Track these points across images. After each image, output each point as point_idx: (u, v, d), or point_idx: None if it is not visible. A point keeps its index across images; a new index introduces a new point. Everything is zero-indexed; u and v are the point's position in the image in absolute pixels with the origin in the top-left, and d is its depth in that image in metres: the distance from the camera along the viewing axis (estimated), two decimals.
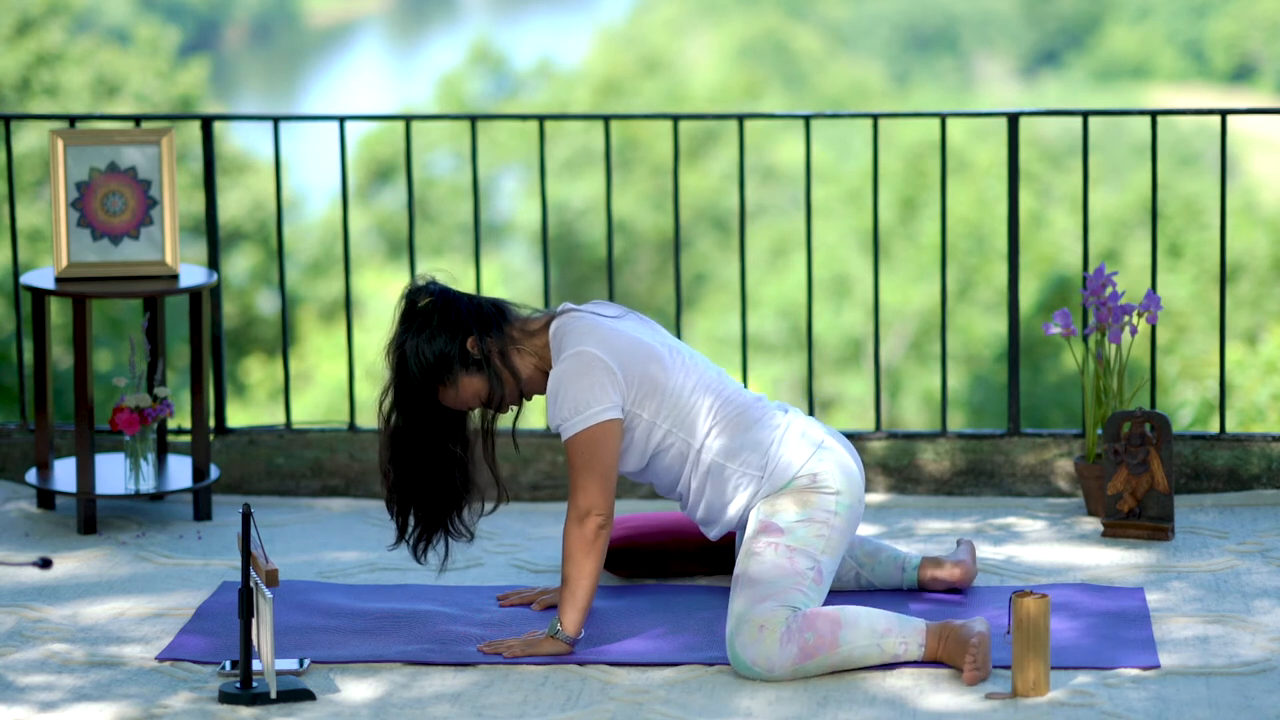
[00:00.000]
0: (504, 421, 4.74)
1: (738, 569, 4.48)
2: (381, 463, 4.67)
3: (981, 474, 5.86)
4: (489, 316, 4.61)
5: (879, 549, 4.92)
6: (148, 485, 5.63)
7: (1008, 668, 4.34)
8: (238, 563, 5.23)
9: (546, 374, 4.63)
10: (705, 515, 4.68)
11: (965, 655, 4.28)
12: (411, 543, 4.70)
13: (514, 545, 5.41)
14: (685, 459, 4.61)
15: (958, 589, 4.91)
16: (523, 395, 4.65)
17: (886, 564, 4.91)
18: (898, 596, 4.85)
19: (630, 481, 5.86)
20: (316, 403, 21.04)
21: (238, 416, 18.52)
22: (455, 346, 4.56)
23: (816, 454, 4.58)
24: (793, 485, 4.55)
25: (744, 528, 4.67)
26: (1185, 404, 13.69)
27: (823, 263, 22.04)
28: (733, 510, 4.63)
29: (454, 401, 4.59)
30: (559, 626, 4.49)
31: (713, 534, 4.73)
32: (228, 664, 4.44)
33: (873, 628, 4.35)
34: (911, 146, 23.44)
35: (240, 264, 22.19)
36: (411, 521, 4.68)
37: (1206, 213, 22.93)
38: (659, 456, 4.61)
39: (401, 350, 4.57)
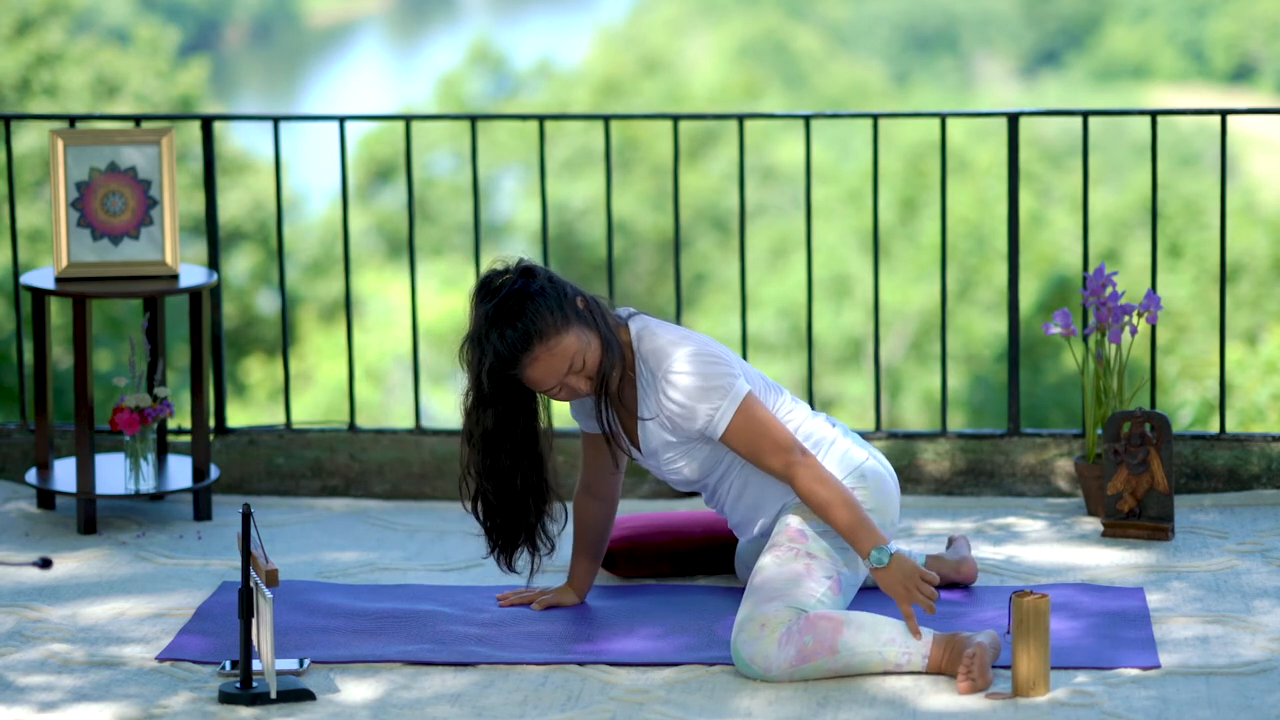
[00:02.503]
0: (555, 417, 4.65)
1: (754, 568, 4.48)
2: (464, 467, 4.55)
3: (981, 474, 5.87)
4: (592, 293, 4.52)
5: None
6: (148, 485, 5.62)
7: (1008, 668, 4.34)
8: (238, 563, 5.23)
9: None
10: (741, 519, 4.68)
11: (960, 665, 4.27)
12: (498, 553, 4.67)
13: None
14: (733, 463, 4.61)
15: (962, 586, 4.92)
16: (606, 382, 4.48)
17: None
18: None
19: (630, 481, 5.86)
20: (316, 403, 21.05)
21: (238, 416, 18.52)
22: (570, 299, 4.42)
23: (855, 472, 4.57)
24: None
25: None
26: (1185, 404, 13.69)
27: (823, 263, 22.04)
28: (767, 516, 4.63)
29: (555, 359, 4.39)
30: (882, 552, 4.30)
31: (745, 538, 4.74)
32: (228, 664, 4.44)
33: (876, 635, 4.33)
34: (911, 146, 23.44)
35: (240, 264, 22.19)
36: (498, 530, 4.63)
37: (1206, 213, 22.93)
38: (719, 461, 4.61)
39: (507, 307, 4.36)
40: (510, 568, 4.70)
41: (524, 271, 4.45)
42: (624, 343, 4.54)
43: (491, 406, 4.49)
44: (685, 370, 4.44)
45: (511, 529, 4.64)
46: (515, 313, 4.37)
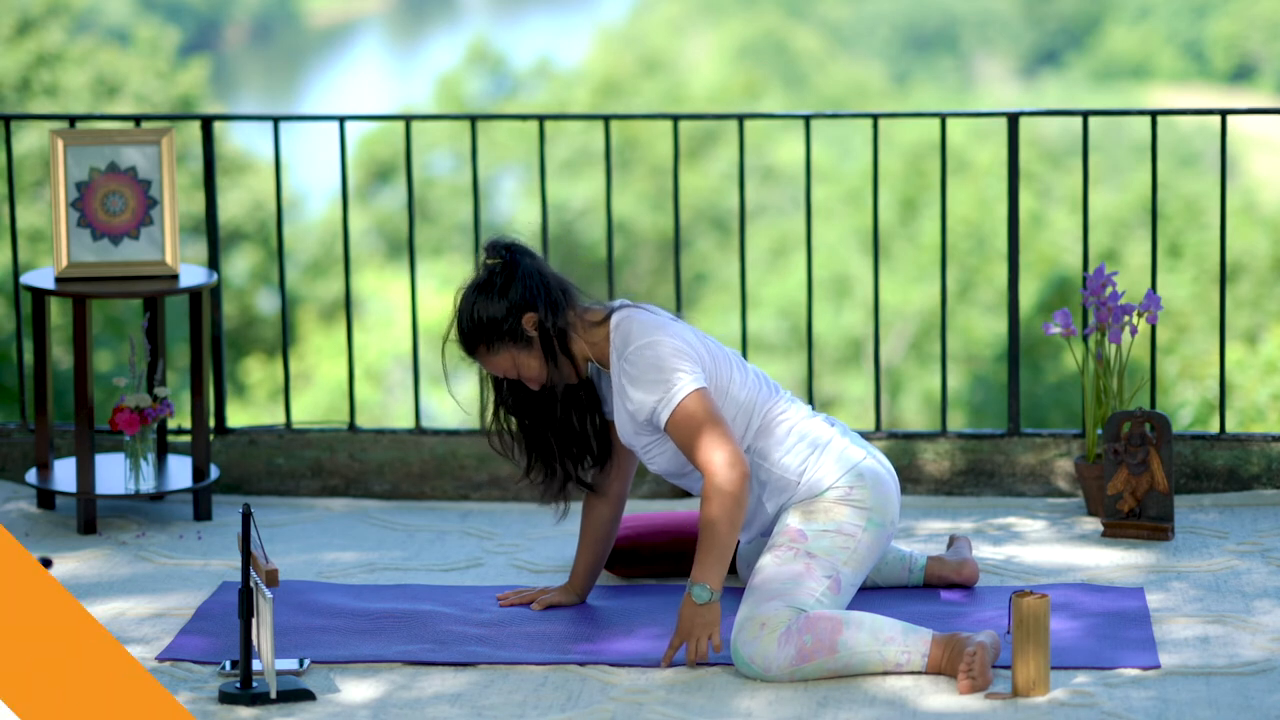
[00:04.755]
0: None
1: (754, 568, 4.48)
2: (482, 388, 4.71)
3: (981, 474, 5.87)
4: (555, 297, 4.55)
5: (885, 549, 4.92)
6: (148, 485, 5.63)
7: (1008, 668, 4.34)
8: (238, 563, 5.23)
9: (589, 365, 4.62)
10: None
11: (960, 664, 4.27)
12: (537, 481, 4.72)
13: (514, 545, 5.41)
14: None
15: (963, 586, 4.92)
16: (553, 391, 4.61)
17: (893, 564, 4.91)
18: (906, 596, 4.85)
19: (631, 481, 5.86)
20: (316, 403, 21.03)
21: (238, 416, 18.52)
22: (512, 319, 4.52)
23: (852, 471, 4.57)
24: (826, 496, 4.55)
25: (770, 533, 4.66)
26: (1185, 404, 13.70)
27: (823, 263, 22.04)
28: (765, 516, 4.62)
29: (492, 367, 4.56)
30: (711, 591, 4.36)
31: (744, 538, 4.73)
32: (228, 664, 4.44)
33: (875, 635, 4.33)
34: (911, 146, 23.44)
35: (240, 264, 22.19)
36: (533, 461, 4.71)
37: (1206, 213, 22.92)
38: None
39: (461, 299, 4.56)
40: (545, 496, 4.74)
41: (496, 270, 4.55)
42: (600, 336, 4.58)
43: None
44: (638, 360, 4.47)
45: (542, 456, 4.71)
46: (460, 316, 4.55)
